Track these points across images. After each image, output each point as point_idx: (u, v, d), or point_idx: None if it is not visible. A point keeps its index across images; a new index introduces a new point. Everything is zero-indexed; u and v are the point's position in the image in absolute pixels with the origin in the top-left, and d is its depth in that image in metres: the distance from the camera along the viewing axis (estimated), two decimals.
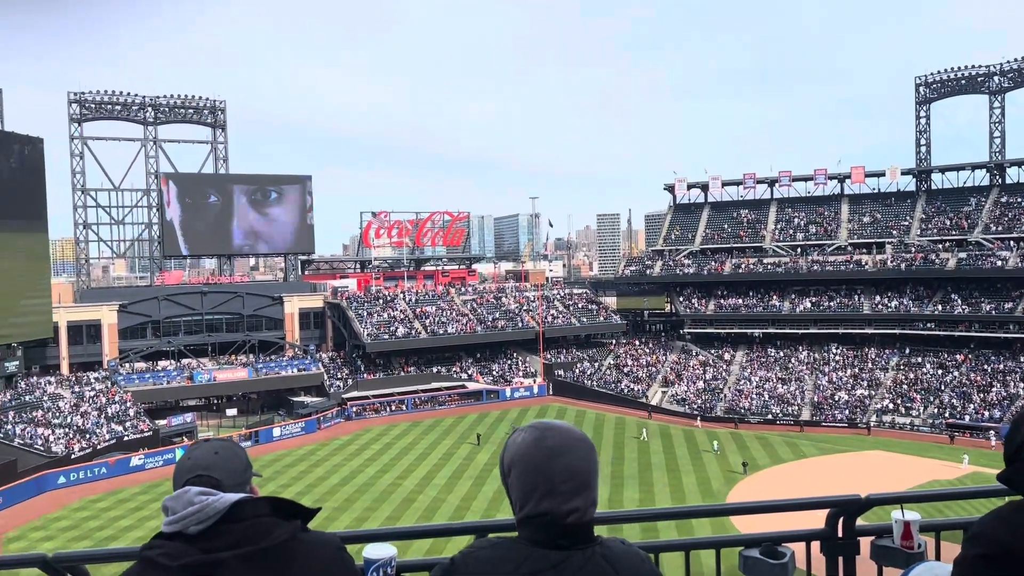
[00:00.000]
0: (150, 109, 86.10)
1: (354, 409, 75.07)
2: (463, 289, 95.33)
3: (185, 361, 76.53)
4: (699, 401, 75.86)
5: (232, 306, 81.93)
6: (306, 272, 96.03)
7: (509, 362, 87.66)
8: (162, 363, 76.18)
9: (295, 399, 76.46)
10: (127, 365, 74.27)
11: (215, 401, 77.89)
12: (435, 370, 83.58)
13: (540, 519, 2.19)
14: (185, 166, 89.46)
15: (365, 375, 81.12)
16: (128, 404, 67.21)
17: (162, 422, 67.17)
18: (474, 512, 45.37)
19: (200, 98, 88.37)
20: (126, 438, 62.40)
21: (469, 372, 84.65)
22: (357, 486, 51.96)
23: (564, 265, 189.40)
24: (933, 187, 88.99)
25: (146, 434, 63.68)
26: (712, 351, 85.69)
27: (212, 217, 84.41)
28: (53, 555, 2.94)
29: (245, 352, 79.70)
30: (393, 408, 76.72)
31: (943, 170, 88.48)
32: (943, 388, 70.50)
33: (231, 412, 75.58)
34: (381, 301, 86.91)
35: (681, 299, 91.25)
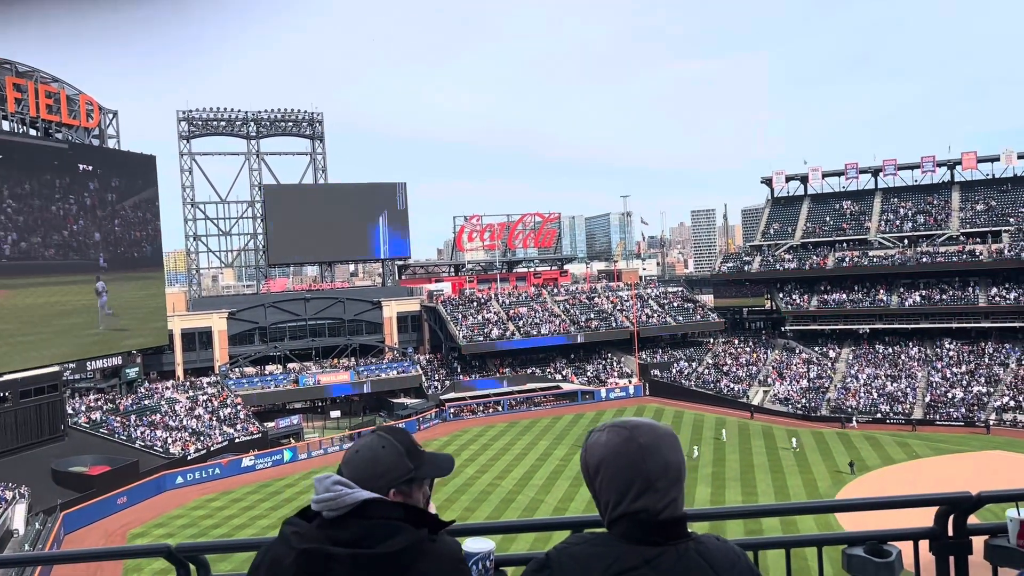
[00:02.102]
0: (252, 124, 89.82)
1: (452, 410, 76.17)
2: (555, 290, 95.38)
3: (291, 365, 79.38)
4: (804, 400, 73.50)
5: (333, 311, 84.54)
6: (403, 277, 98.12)
7: (603, 362, 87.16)
8: (269, 367, 79.23)
9: (395, 401, 78.19)
10: (236, 370, 77.60)
11: (319, 403, 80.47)
12: (529, 371, 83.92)
13: (636, 516, 2.21)
14: (286, 177, 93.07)
15: (461, 376, 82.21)
16: (238, 407, 70.24)
17: (270, 424, 69.85)
18: (573, 512, 45.28)
19: (298, 111, 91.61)
20: (237, 440, 65.20)
21: (563, 373, 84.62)
22: (457, 486, 52.69)
23: (658, 263, 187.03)
24: None
25: (256, 436, 66.37)
26: (816, 348, 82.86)
27: (312, 226, 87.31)
28: (176, 545, 3.15)
29: (347, 355, 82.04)
30: (490, 409, 77.48)
31: None
32: None
33: (335, 414, 77.96)
34: (475, 303, 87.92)
35: (781, 295, 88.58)
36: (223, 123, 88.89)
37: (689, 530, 2.30)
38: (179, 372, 76.56)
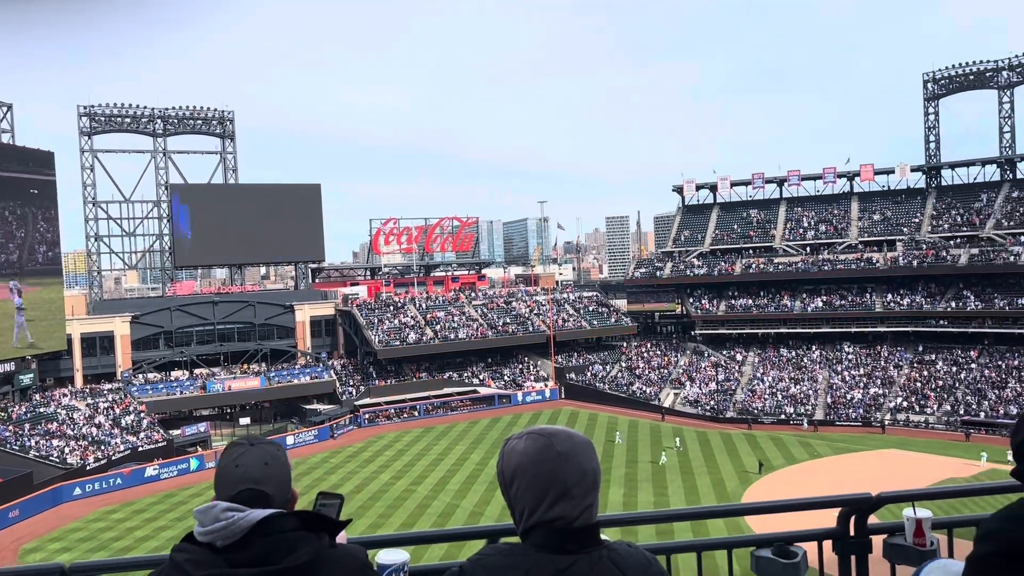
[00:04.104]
0: (159, 121, 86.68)
1: (366, 416, 75.21)
2: (473, 294, 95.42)
3: (198, 371, 76.92)
4: (712, 402, 75.63)
5: (244, 315, 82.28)
6: (316, 280, 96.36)
7: (520, 366, 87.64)
8: (175, 373, 76.60)
9: (308, 407, 76.66)
10: (140, 376, 74.68)
11: (228, 410, 78.22)
12: (446, 375, 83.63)
13: (550, 524, 2.20)
14: (195, 177, 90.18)
15: (377, 382, 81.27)
16: (142, 414, 67.56)
17: (176, 432, 67.47)
18: (488, 517, 45.36)
19: (208, 109, 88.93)
20: (140, 448, 62.70)
21: (480, 377, 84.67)
22: (371, 493, 52.04)
23: (574, 268, 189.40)
24: (943, 183, 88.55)
25: (160, 444, 63.98)
26: (724, 352, 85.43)
27: (221, 227, 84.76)
28: (70, 565, 2.98)
29: (257, 361, 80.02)
30: (405, 414, 76.87)
31: (953, 166, 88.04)
32: (957, 385, 70.04)
33: (244, 421, 75.85)
34: (391, 308, 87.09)
35: (692, 300, 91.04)
36: (128, 119, 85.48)
37: (602, 537, 2.30)
38: (78, 378, 73.07)
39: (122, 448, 62.07)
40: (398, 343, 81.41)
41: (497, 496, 49.24)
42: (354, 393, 78.87)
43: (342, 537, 2.50)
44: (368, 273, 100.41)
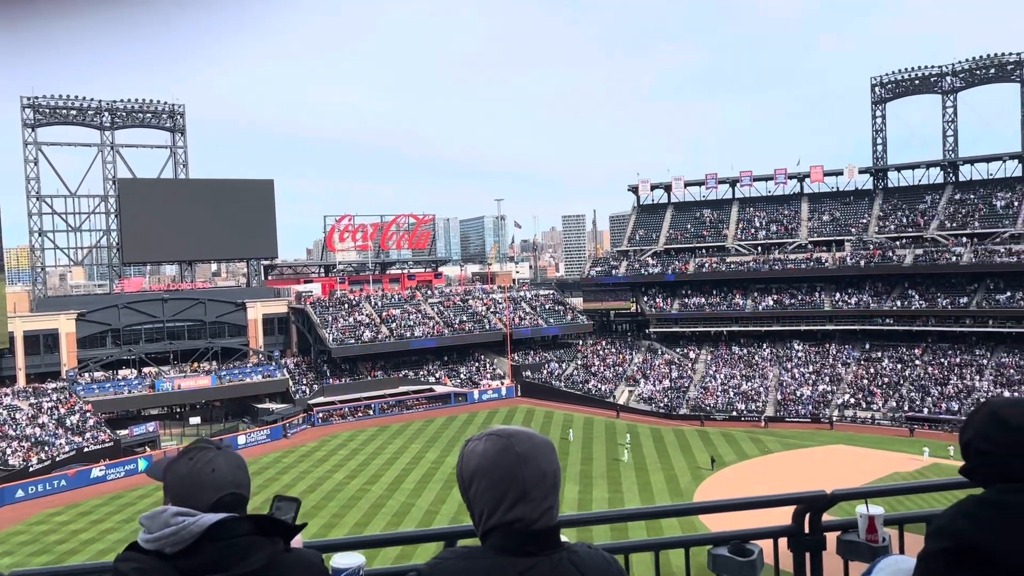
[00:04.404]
0: (107, 114, 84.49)
1: (320, 415, 74.41)
2: (429, 292, 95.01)
3: (146, 370, 75.33)
4: (665, 400, 76.48)
5: (194, 313, 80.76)
6: (269, 277, 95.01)
7: (477, 364, 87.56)
8: (123, 372, 74.90)
9: (260, 406, 75.56)
10: (86, 375, 72.85)
11: (178, 410, 76.71)
12: (402, 374, 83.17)
13: (510, 526, 2.18)
14: (144, 171, 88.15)
15: (331, 380, 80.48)
16: (88, 414, 65.88)
17: (123, 432, 65.93)
18: (443, 516, 45.23)
19: (159, 102, 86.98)
20: (86, 449, 61.15)
21: (437, 375, 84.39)
22: (324, 492, 51.50)
23: (530, 267, 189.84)
24: (890, 185, 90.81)
25: (107, 445, 62.46)
26: (677, 350, 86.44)
27: (172, 223, 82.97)
28: (10, 573, 2.87)
29: (208, 359, 78.63)
30: (360, 413, 76.25)
31: (899, 168, 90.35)
32: (902, 382, 71.90)
33: (194, 420, 74.42)
34: (346, 305, 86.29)
35: (646, 299, 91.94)
36: (74, 112, 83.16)
37: (563, 539, 2.29)
38: (20, 378, 70.91)
39: (67, 449, 60.47)
40: (353, 341, 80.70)
41: (453, 495, 49.14)
42: (307, 392, 77.98)
43: (297, 541, 2.44)
44: (322, 270, 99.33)
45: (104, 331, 76.96)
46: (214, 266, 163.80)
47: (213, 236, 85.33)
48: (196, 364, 77.81)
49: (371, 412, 76.50)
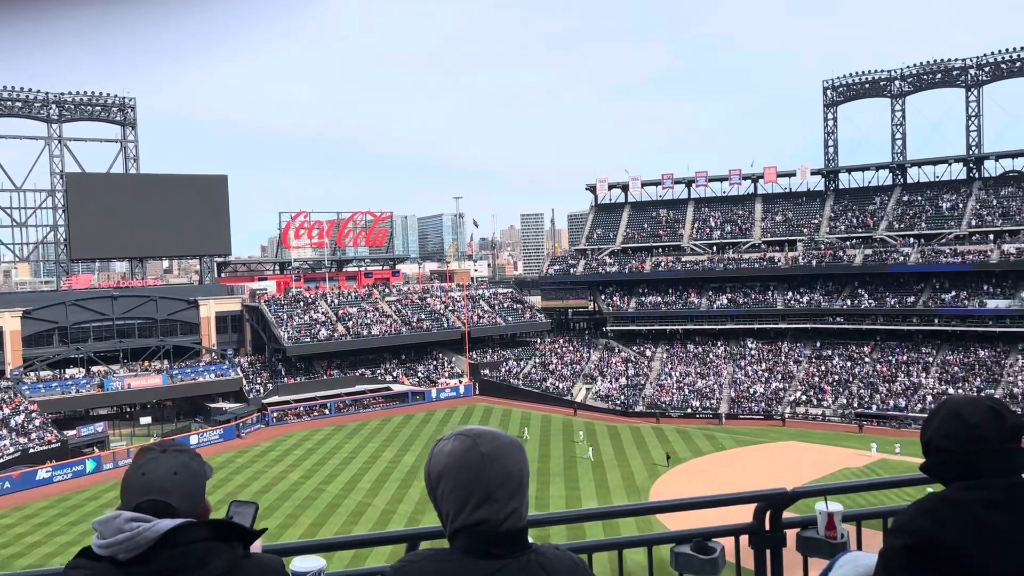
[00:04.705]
0: (54, 106, 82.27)
1: (275, 414, 73.46)
2: (387, 290, 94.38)
3: (95, 368, 73.55)
4: (622, 397, 77.10)
5: (145, 310, 79.07)
6: (222, 275, 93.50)
7: (435, 363, 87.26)
8: (70, 371, 72.99)
9: (213, 405, 74.24)
10: (32, 374, 70.90)
11: (128, 409, 75.04)
12: (359, 373, 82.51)
13: (476, 528, 2.16)
14: (93, 166, 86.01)
15: (286, 379, 79.49)
16: (34, 414, 64.08)
17: (71, 432, 64.25)
18: (400, 515, 44.98)
19: (107, 95, 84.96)
20: (32, 450, 59.47)
21: (394, 374, 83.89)
22: (279, 493, 50.86)
23: (489, 265, 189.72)
24: (841, 187, 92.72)
25: (54, 445, 60.82)
26: (634, 348, 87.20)
27: (122, 219, 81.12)
28: None
29: (159, 358, 77.07)
30: (316, 412, 75.46)
31: (850, 170, 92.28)
32: (852, 379, 73.51)
33: (145, 420, 72.84)
34: (302, 303, 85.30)
35: (604, 297, 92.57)
36: (19, 104, 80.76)
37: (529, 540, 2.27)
38: None
39: (11, 450, 58.76)
40: (308, 340, 79.82)
41: (409, 494, 48.97)
42: (262, 391, 76.93)
43: (257, 546, 2.38)
44: (277, 268, 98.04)
45: (51, 329, 74.97)
46: (166, 263, 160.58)
47: (164, 232, 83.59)
48: (147, 363, 76.19)
49: (327, 411, 75.77)
